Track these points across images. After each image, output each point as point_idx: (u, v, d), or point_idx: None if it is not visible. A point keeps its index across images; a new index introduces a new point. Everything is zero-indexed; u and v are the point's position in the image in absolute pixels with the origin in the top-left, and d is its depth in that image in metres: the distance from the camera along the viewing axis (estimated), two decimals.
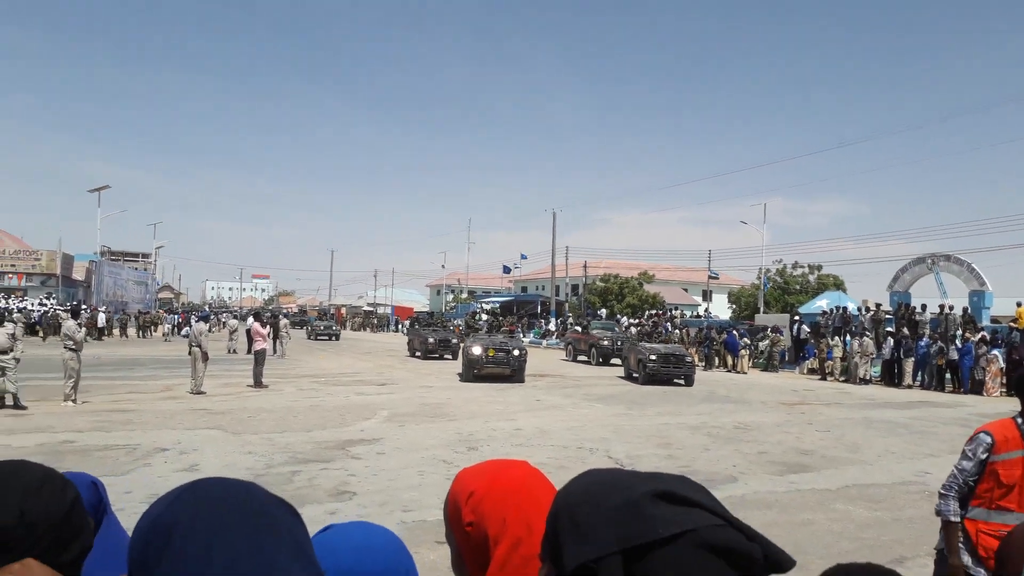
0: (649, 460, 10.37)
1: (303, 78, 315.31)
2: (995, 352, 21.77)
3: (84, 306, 42.78)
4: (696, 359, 27.48)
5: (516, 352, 20.88)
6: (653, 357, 21.53)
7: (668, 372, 21.53)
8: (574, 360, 32.53)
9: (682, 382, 22.08)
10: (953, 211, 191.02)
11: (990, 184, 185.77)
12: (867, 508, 8.02)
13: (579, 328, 35.40)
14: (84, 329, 14.77)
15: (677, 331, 35.32)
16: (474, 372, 20.64)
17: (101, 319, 40.02)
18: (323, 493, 7.94)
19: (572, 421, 13.77)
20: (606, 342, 30.15)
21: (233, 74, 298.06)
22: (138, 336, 43.98)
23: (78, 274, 62.72)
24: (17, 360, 13.52)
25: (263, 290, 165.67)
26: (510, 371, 20.68)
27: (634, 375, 23.09)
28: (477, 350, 20.77)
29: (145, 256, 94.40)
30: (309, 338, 49.95)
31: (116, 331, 42.62)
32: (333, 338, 49.62)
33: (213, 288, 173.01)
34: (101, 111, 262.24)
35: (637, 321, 39.90)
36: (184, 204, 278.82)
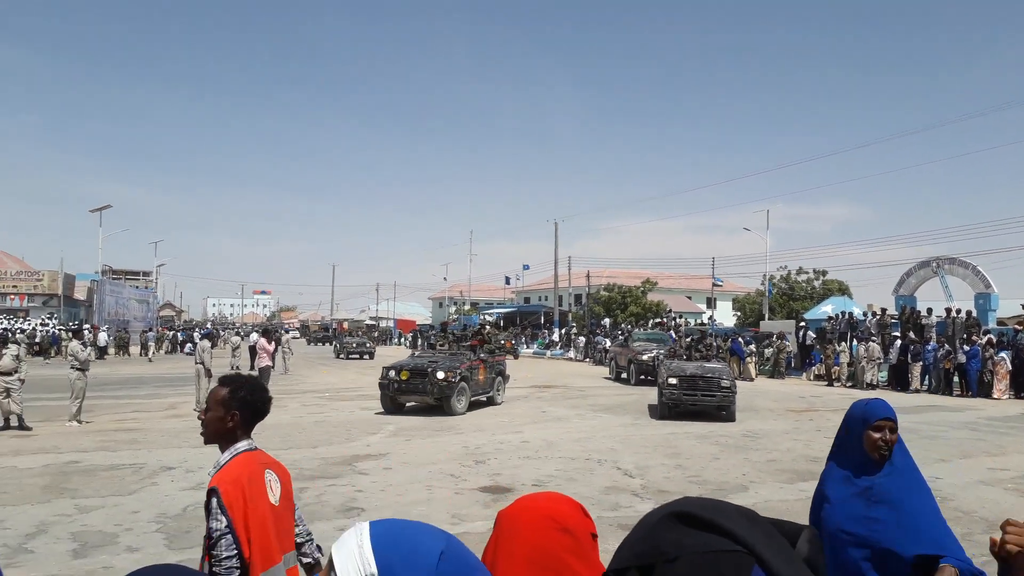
0: (658, 471, 10.29)
1: (302, 92, 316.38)
2: (1002, 355, 21.67)
3: (86, 326, 42.79)
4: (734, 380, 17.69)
5: (440, 375, 15.70)
6: (673, 381, 15.67)
7: (695, 401, 15.51)
8: (617, 379, 27.27)
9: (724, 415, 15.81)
10: (957, 214, 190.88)
11: (994, 186, 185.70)
12: None
13: (621, 339, 31.59)
14: (89, 349, 14.76)
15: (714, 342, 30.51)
16: (388, 398, 16.29)
17: (103, 338, 39.98)
18: (331, 510, 7.88)
19: (579, 432, 13.70)
20: (646, 357, 24.85)
21: (232, 90, 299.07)
22: (140, 355, 43.99)
23: (80, 294, 62.75)
24: (22, 381, 13.50)
25: (264, 306, 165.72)
26: (432, 400, 15.92)
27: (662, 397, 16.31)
28: (391, 372, 16.39)
29: (146, 274, 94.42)
30: (338, 357, 43.91)
31: (114, 350, 42.55)
32: (367, 356, 43.08)
33: (214, 305, 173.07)
34: (102, 130, 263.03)
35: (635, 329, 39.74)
36: (185, 222, 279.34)
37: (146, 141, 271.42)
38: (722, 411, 15.57)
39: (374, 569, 0.97)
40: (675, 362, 17.76)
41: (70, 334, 16.79)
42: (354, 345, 43.95)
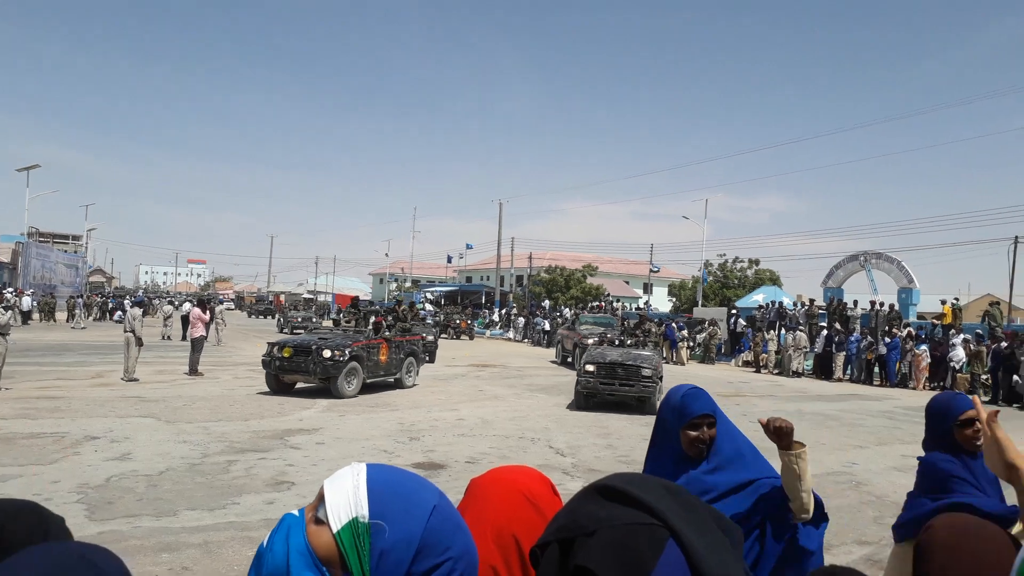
0: (589, 450, 10.49)
1: (246, 58, 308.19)
2: (922, 347, 22.63)
3: (9, 289, 41.13)
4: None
5: (327, 354, 14.36)
6: (590, 368, 14.47)
7: (613, 391, 14.46)
8: (563, 363, 26.27)
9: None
10: (886, 210, 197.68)
11: (921, 185, 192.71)
12: None
13: (567, 322, 30.63)
14: (10, 313, 14.21)
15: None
16: (272, 377, 15.02)
17: (27, 303, 38.52)
18: (261, 483, 7.82)
19: (514, 411, 13.84)
20: (591, 341, 22.42)
21: (171, 53, 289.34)
22: (67, 321, 42.50)
23: (3, 256, 60.19)
24: None
25: (199, 275, 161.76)
26: (316, 380, 14.67)
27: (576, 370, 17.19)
28: (275, 348, 15.02)
29: (76, 238, 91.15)
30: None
31: (39, 315, 41.02)
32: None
33: (147, 272, 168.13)
34: (32, 88, 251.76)
35: (579, 313, 40.13)
36: (118, 187, 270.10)
37: (79, 102, 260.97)
38: (641, 402, 14.36)
39: (365, 512, 0.97)
40: (599, 348, 16.65)
41: None
42: (299, 319, 40.89)
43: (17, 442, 9.23)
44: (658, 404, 12.45)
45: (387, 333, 16.53)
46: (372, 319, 17.36)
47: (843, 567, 1.34)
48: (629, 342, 18.19)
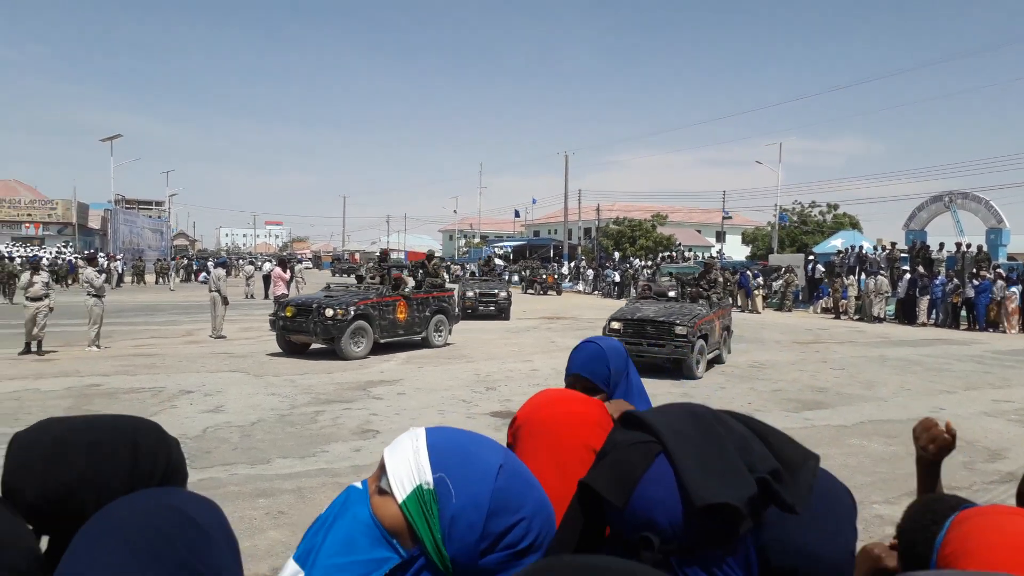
0: (664, 398, 10.48)
1: (314, 24, 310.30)
2: (1013, 290, 21.66)
3: (102, 254, 43.15)
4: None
5: (329, 312, 13.62)
6: (616, 326, 13.08)
7: (641, 351, 12.68)
8: None
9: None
10: (970, 149, 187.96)
11: (1007, 121, 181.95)
12: (882, 443, 8.13)
13: (648, 273, 28.92)
14: (104, 276, 14.96)
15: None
16: (281, 338, 14.32)
17: (118, 267, 40.37)
18: (347, 432, 8.12)
19: None
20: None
21: (244, 21, 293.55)
22: (156, 283, 44.42)
23: (94, 223, 63.08)
24: (51, 308, 13.80)
25: (276, 236, 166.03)
26: (320, 340, 13.80)
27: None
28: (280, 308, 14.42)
29: (159, 204, 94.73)
30: None
31: (131, 278, 42.95)
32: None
33: (227, 235, 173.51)
34: (113, 60, 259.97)
35: (650, 263, 39.76)
36: (197, 152, 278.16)
37: (156, 72, 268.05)
38: (676, 364, 12.45)
39: (429, 478, 0.94)
40: (635, 302, 15.08)
41: (85, 261, 16.96)
42: None
43: (119, 396, 9.79)
44: (697, 367, 12.09)
45: (406, 289, 15.27)
46: (393, 274, 15.83)
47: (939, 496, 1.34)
48: (675, 295, 15.30)
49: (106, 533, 0.87)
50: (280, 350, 14.15)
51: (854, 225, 47.58)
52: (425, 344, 15.58)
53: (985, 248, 26.10)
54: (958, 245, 25.84)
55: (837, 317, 26.19)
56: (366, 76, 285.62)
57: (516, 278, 45.08)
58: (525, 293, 38.42)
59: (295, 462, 6.94)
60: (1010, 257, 28.50)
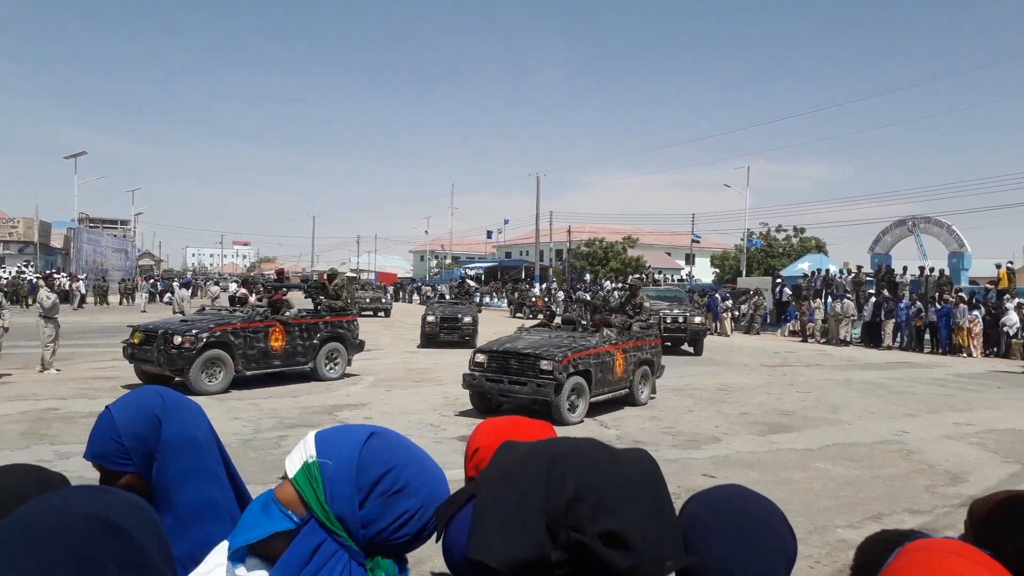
0: (633, 422, 10.49)
1: (284, 42, 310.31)
2: (975, 313, 22.08)
3: (63, 273, 42.34)
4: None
5: (177, 340, 11.80)
6: (480, 358, 10.84)
7: (503, 391, 10.50)
8: None
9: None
10: (933, 174, 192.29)
11: (970, 147, 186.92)
12: (846, 467, 8.18)
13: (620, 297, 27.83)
14: (55, 296, 14.58)
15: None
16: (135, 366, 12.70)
17: (81, 287, 39.62)
18: None
19: None
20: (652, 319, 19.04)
21: (213, 39, 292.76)
22: (120, 303, 43.63)
23: (56, 241, 61.93)
24: (6, 329, 13.46)
25: (244, 256, 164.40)
26: (167, 370, 11.83)
27: None
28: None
29: (124, 223, 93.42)
30: None
31: (93, 299, 42.16)
32: (382, 314, 36.44)
33: (194, 255, 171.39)
34: (77, 77, 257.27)
35: (620, 286, 39.95)
36: (163, 170, 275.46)
37: (122, 90, 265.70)
38: (537, 406, 10.18)
39: (313, 453, 1.11)
40: (524, 331, 12.67)
41: (43, 281, 16.57)
42: (367, 300, 36.54)
43: (77, 421, 9.55)
44: (572, 412, 10.13)
45: (287, 313, 13.49)
46: (272, 296, 14.22)
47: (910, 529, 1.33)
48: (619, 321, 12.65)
49: (12, 545, 0.83)
50: (139, 380, 12.41)
51: (820, 248, 48.27)
52: (313, 376, 13.59)
53: (947, 272, 26.61)
54: (921, 269, 26.34)
55: (804, 340, 26.48)
56: (336, 95, 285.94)
57: (505, 302, 44.35)
58: (514, 317, 37.31)
59: (258, 488, 6.65)
60: (972, 281, 29.07)
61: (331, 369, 13.96)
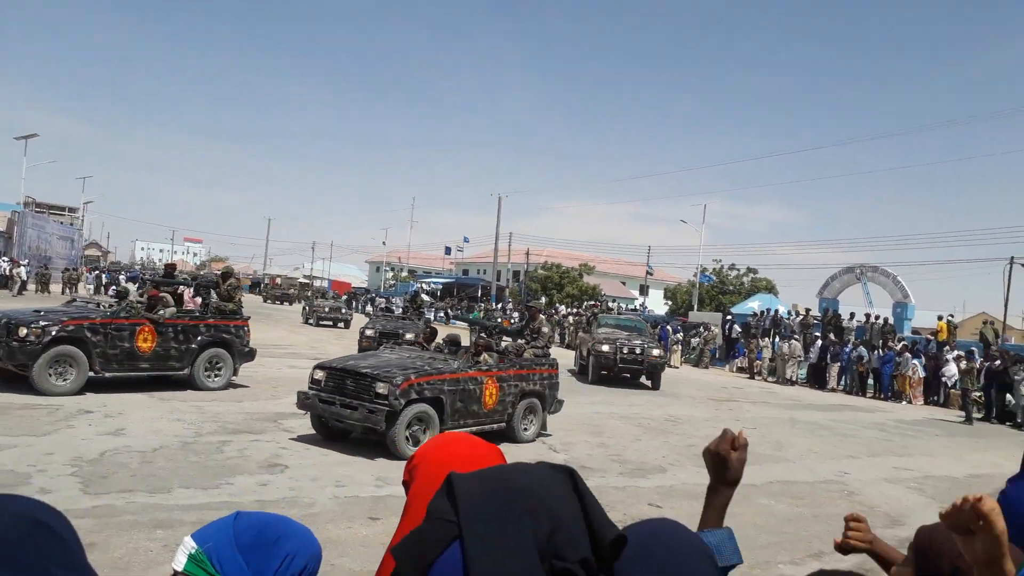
0: (581, 447, 10.50)
1: (249, 39, 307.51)
2: (915, 362, 22.70)
3: (4, 258, 40.96)
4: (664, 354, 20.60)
5: (23, 332, 10.52)
6: (319, 375, 9.53)
7: (335, 414, 9.14)
8: (580, 372, 21.11)
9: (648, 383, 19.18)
10: (883, 224, 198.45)
11: (919, 202, 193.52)
12: (789, 504, 8.30)
13: (582, 321, 26.90)
14: None
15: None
16: None
17: (22, 273, 38.35)
18: (254, 465, 7.80)
19: None
20: (606, 348, 19.40)
21: (178, 29, 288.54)
22: (63, 292, 42.32)
23: None
24: None
25: (195, 254, 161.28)
26: (11, 366, 10.65)
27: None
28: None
29: (72, 210, 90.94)
30: (306, 322, 35.03)
31: (34, 286, 40.85)
32: (341, 325, 34.78)
33: (143, 249, 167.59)
34: (34, 55, 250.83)
35: (576, 311, 40.17)
36: (116, 160, 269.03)
37: (80, 72, 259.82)
38: (377, 435, 8.83)
39: (193, 543, 1.21)
40: (383, 348, 12.14)
41: None
42: (327, 309, 35.54)
43: (12, 412, 9.20)
44: (399, 441, 8.72)
45: (163, 312, 12.00)
46: (146, 292, 13.04)
47: (840, 570, 1.39)
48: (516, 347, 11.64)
49: None
50: None
51: (770, 289, 49.27)
52: (191, 385, 12.27)
53: (891, 321, 27.35)
54: (867, 316, 27.01)
55: (752, 377, 26.89)
56: (301, 101, 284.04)
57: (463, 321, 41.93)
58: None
59: (197, 493, 6.61)
60: (914, 331, 29.94)
61: (212, 378, 12.49)
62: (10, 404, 9.63)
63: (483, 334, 11.85)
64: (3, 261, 39.31)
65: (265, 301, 58.81)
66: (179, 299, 13.06)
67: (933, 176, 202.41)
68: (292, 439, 9.22)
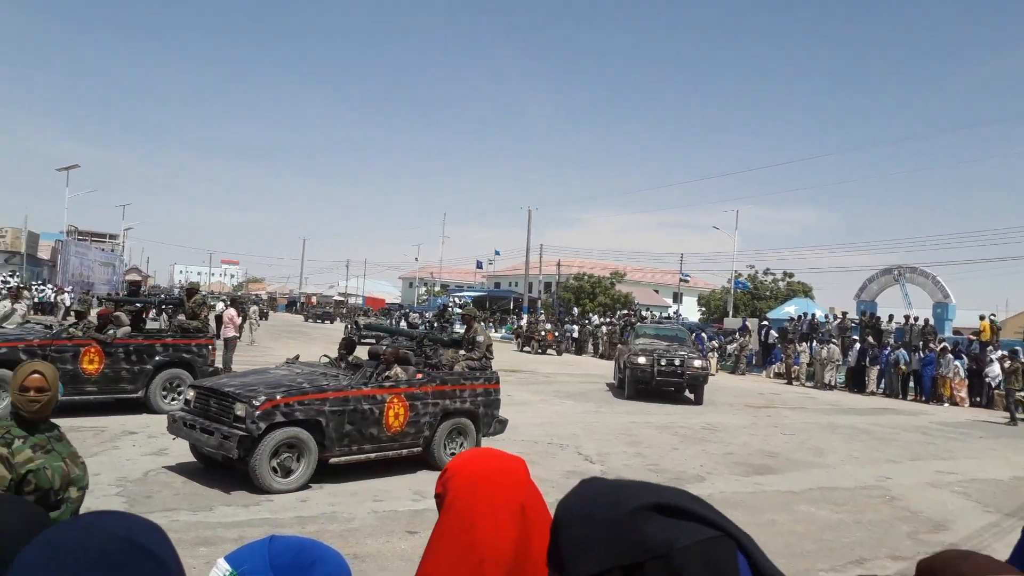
0: (618, 458, 10.48)
1: (279, 63, 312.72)
2: (957, 363, 22.25)
3: (49, 285, 42.03)
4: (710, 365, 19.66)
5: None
6: (190, 394, 8.68)
7: (194, 438, 8.14)
8: (620, 386, 19.72)
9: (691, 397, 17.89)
10: (920, 225, 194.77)
11: (957, 200, 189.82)
12: (829, 510, 8.20)
13: (617, 330, 26.72)
14: (17, 308, 14.38)
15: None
16: None
17: (66, 299, 39.33)
18: None
19: (542, 417, 13.85)
20: (643, 360, 18.24)
21: (209, 57, 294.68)
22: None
23: (44, 253, 61.58)
24: None
25: (232, 276, 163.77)
26: None
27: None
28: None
29: (113, 237, 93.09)
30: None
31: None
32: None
33: (182, 272, 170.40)
34: (72, 89, 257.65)
35: (609, 320, 40.00)
36: (154, 187, 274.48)
37: (118, 104, 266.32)
38: (240, 462, 7.51)
39: (227, 566, 1.17)
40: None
41: (6, 292, 16.46)
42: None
43: None
44: (288, 477, 7.63)
45: (112, 332, 11.40)
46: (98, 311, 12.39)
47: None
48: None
49: (51, 563, 0.84)
50: None
51: (807, 293, 48.64)
52: (146, 407, 11.49)
53: (932, 322, 26.85)
54: (906, 317, 26.55)
55: (789, 382, 26.56)
56: (333, 122, 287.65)
57: (508, 333, 41.15)
58: (521, 351, 34.98)
59: (239, 510, 6.75)
60: (955, 331, 29.34)
61: (170, 401, 11.61)
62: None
63: (405, 343, 10.76)
64: (48, 288, 40.30)
65: (306, 320, 59.58)
66: (137, 318, 12.69)
67: (969, 174, 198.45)
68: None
